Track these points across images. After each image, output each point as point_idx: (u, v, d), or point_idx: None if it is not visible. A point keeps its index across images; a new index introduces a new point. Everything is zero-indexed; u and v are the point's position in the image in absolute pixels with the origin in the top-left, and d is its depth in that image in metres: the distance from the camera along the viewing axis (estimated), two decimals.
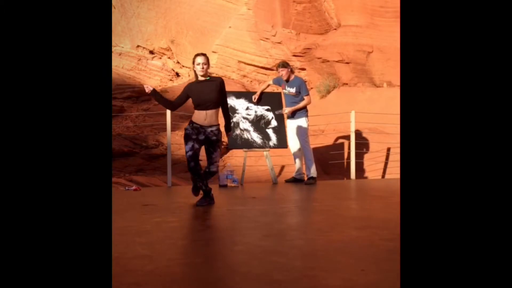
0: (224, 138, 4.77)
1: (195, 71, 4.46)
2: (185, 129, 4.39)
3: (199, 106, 4.36)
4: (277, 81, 6.76)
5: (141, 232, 3.18)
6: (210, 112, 4.36)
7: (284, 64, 6.63)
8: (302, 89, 6.54)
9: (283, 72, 6.54)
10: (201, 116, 4.36)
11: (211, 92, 4.34)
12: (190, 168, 4.29)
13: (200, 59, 4.36)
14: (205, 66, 4.35)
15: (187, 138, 4.32)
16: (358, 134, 8.33)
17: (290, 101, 6.63)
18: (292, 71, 6.68)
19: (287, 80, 6.58)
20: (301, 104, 6.52)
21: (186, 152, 4.29)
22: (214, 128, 4.37)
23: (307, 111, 6.66)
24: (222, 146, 4.25)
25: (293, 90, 6.54)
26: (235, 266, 2.27)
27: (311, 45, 12.76)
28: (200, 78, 4.41)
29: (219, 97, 4.39)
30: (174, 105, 4.57)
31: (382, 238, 2.81)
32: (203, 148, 4.44)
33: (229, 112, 4.66)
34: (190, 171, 4.34)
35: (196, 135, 4.33)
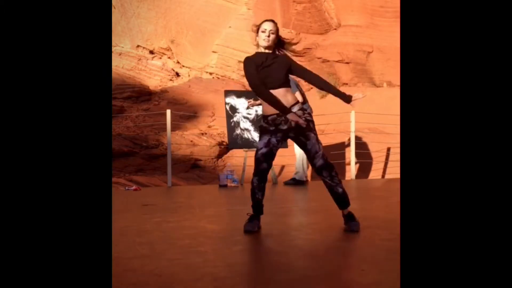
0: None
1: (257, 43, 3.24)
2: (259, 127, 3.31)
3: (264, 85, 3.14)
4: None
5: (141, 232, 3.18)
6: (281, 91, 3.16)
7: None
8: (292, 88, 6.47)
9: None
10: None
11: (279, 68, 3.18)
12: (259, 171, 3.11)
13: (267, 25, 3.18)
14: (272, 36, 3.18)
15: (261, 132, 3.20)
16: (358, 134, 8.32)
17: None
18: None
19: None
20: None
21: (258, 151, 3.12)
22: (296, 109, 3.15)
23: (308, 108, 6.59)
24: (314, 134, 3.20)
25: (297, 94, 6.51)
26: (235, 266, 2.27)
27: (311, 45, 12.76)
28: (262, 51, 3.22)
29: (287, 75, 3.23)
30: (260, 85, 3.15)
31: (382, 238, 2.81)
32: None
33: (322, 79, 3.33)
34: (257, 176, 3.12)
35: (275, 126, 3.14)
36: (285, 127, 3.14)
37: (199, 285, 1.94)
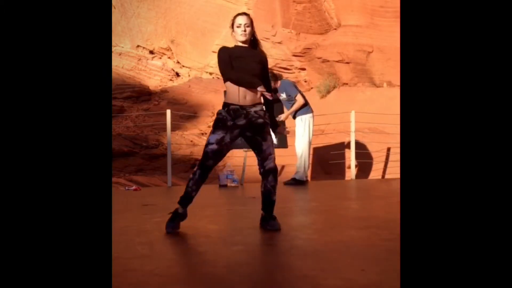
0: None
1: (234, 37, 3.21)
2: (217, 114, 3.13)
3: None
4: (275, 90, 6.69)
5: (141, 232, 3.18)
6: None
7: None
8: (290, 92, 6.47)
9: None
10: (240, 93, 3.09)
11: (254, 62, 3.15)
12: (203, 166, 3.03)
13: (241, 20, 3.13)
14: (248, 29, 3.13)
15: (217, 125, 3.06)
16: (358, 134, 8.33)
17: (288, 106, 6.62)
18: (276, 79, 6.48)
19: (276, 89, 6.55)
20: (294, 107, 6.47)
21: (208, 145, 3.01)
22: (258, 108, 3.12)
23: (309, 109, 6.60)
24: (271, 138, 3.14)
25: (284, 95, 6.52)
26: (235, 266, 2.27)
27: (311, 45, 12.76)
28: (240, 45, 3.20)
29: (261, 73, 3.18)
30: (230, 69, 3.13)
31: (382, 238, 2.81)
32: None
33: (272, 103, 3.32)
34: (200, 170, 3.04)
35: (233, 120, 3.05)
36: (243, 121, 3.06)
37: (199, 285, 1.94)
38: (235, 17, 3.19)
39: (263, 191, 3.15)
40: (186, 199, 3.13)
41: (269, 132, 3.12)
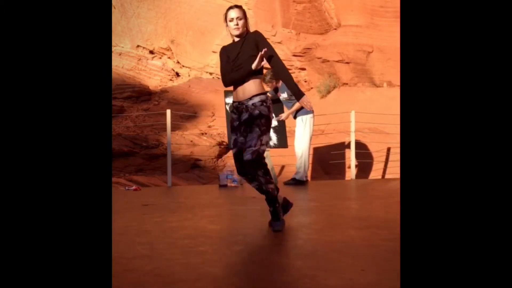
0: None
1: (228, 32, 3.18)
2: (231, 114, 3.26)
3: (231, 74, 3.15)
4: (273, 91, 6.70)
5: (141, 232, 3.18)
6: (248, 83, 3.10)
7: (270, 79, 6.57)
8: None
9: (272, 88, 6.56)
10: (238, 90, 3.13)
11: (249, 51, 3.07)
12: (239, 171, 3.20)
13: (233, 13, 3.09)
14: (240, 22, 3.08)
15: (231, 127, 3.24)
16: (358, 134, 8.33)
17: (288, 106, 6.63)
18: (278, 78, 6.52)
19: (277, 88, 6.57)
20: (295, 107, 6.49)
21: (232, 148, 3.28)
22: (256, 100, 3.08)
23: (312, 112, 6.58)
24: (259, 130, 3.07)
25: (285, 95, 6.53)
26: (235, 266, 2.27)
27: (311, 45, 12.77)
28: (236, 40, 3.16)
29: (253, 59, 3.05)
30: (226, 74, 3.17)
31: (382, 238, 2.81)
32: None
33: (285, 70, 3.15)
34: (241, 176, 3.24)
35: (238, 119, 3.15)
36: (246, 116, 3.08)
37: (199, 285, 1.94)
38: (227, 11, 3.14)
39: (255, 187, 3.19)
40: (272, 195, 3.14)
41: (261, 124, 3.05)
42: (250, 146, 3.02)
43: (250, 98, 3.09)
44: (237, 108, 3.14)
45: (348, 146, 8.21)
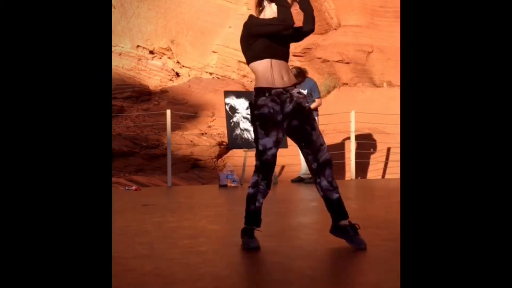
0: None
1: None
2: (260, 106, 2.50)
3: (267, 52, 2.53)
4: None
5: (141, 232, 3.18)
6: (285, 64, 2.59)
7: (295, 75, 6.55)
8: (314, 92, 6.59)
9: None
10: (274, 72, 2.51)
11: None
12: (267, 174, 2.56)
13: None
14: None
15: (266, 123, 2.48)
16: (358, 134, 8.33)
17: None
18: (304, 75, 6.57)
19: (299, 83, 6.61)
20: (312, 106, 6.56)
21: (267, 150, 2.50)
22: (294, 91, 2.57)
23: (317, 110, 6.70)
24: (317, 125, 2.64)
25: (304, 93, 6.57)
26: (235, 266, 2.27)
27: (311, 45, 12.76)
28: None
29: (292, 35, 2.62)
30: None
31: (382, 238, 2.81)
32: None
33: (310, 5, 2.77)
34: (265, 180, 2.57)
35: (281, 111, 2.51)
36: (290, 108, 2.50)
37: (199, 285, 1.94)
38: None
39: (324, 194, 2.58)
40: (255, 216, 2.64)
41: (314, 119, 2.60)
42: (322, 144, 2.53)
43: (294, 86, 2.57)
44: (279, 95, 2.48)
45: (348, 146, 8.21)
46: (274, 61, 2.52)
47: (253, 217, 2.63)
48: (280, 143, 2.56)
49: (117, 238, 2.85)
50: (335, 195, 2.58)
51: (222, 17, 16.89)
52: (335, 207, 2.59)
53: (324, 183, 2.56)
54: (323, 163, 2.53)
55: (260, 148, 2.51)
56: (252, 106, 2.55)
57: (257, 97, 2.52)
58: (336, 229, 2.59)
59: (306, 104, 2.58)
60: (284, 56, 2.59)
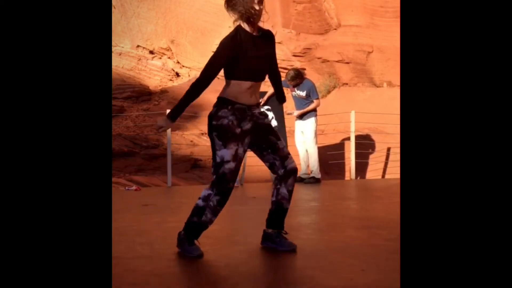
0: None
1: (247, 17, 2.50)
2: (220, 117, 2.44)
3: (246, 73, 2.47)
4: (285, 84, 6.73)
5: (141, 232, 3.18)
6: (258, 85, 2.56)
7: (293, 77, 6.56)
8: (312, 93, 6.61)
9: (291, 84, 6.56)
10: (245, 91, 2.48)
11: (269, 53, 2.58)
12: (223, 190, 2.43)
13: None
14: (262, 7, 2.55)
15: (225, 135, 2.41)
16: (358, 134, 8.32)
17: (300, 104, 6.67)
18: (302, 76, 6.60)
19: (297, 84, 6.60)
20: (310, 107, 6.61)
21: (224, 163, 2.40)
22: (264, 109, 2.76)
23: (316, 111, 6.72)
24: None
25: (303, 94, 6.59)
26: (235, 266, 2.27)
27: (311, 45, 12.76)
28: (249, 30, 2.53)
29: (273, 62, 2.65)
30: (202, 86, 2.53)
31: (382, 238, 2.81)
32: None
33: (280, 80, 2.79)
34: (218, 196, 2.45)
35: (239, 125, 2.45)
36: (248, 126, 2.48)
37: (199, 285, 1.94)
38: None
39: (276, 199, 2.60)
40: (198, 230, 2.51)
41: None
42: (289, 153, 2.60)
43: (257, 105, 2.58)
44: (240, 111, 2.47)
45: (348, 146, 8.21)
46: (254, 83, 2.52)
47: (193, 229, 2.51)
48: (241, 161, 2.47)
49: (117, 238, 2.85)
50: (286, 206, 2.61)
51: (222, 17, 16.88)
52: (280, 217, 2.62)
53: (284, 191, 2.58)
54: (290, 171, 2.56)
55: (217, 160, 2.42)
56: (211, 117, 2.50)
57: (218, 108, 2.48)
58: (265, 238, 2.64)
59: (267, 121, 2.60)
60: (263, 77, 2.61)
